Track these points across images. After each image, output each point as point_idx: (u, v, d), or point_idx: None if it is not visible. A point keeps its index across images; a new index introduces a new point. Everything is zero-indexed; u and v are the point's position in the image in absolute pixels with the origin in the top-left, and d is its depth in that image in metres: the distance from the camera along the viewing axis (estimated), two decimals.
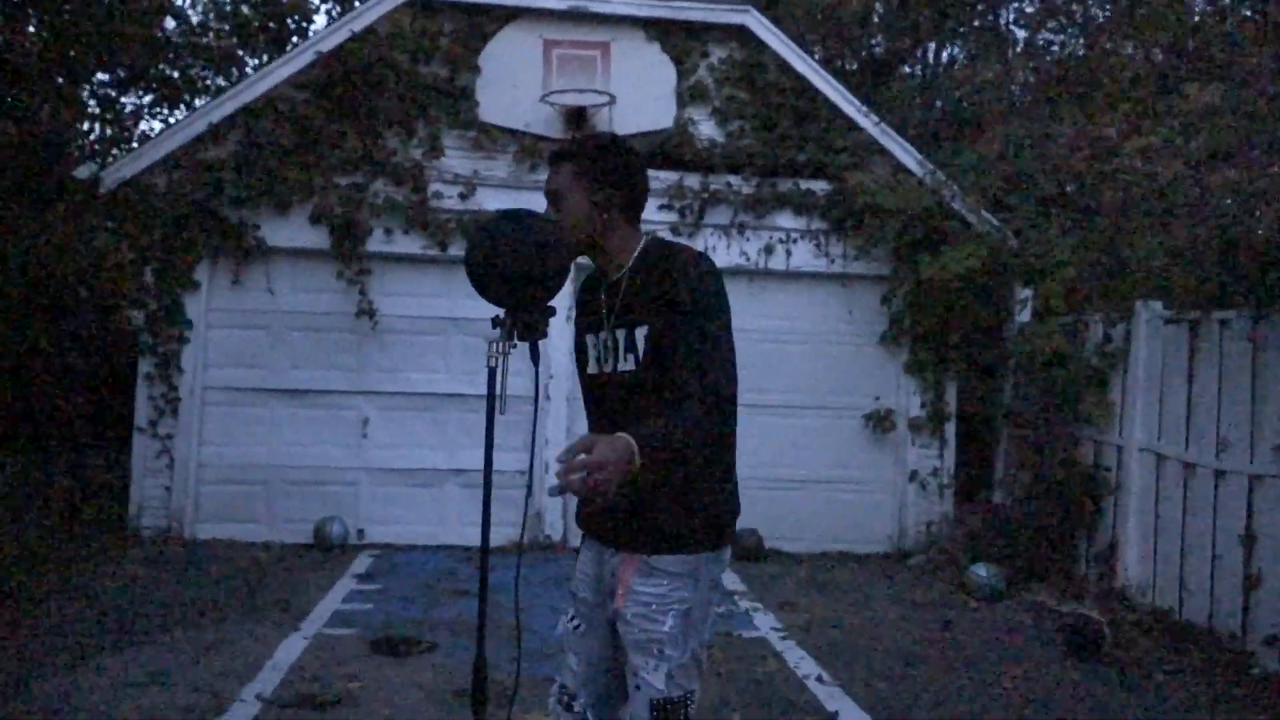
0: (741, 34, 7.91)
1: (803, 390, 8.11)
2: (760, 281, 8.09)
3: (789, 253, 8.04)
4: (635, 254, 2.23)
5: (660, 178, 7.83)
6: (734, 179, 7.94)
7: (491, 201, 7.65)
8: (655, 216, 7.85)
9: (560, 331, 7.74)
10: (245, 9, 12.72)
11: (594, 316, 2.31)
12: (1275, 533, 5.49)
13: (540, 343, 2.17)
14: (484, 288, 2.10)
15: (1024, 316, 8.01)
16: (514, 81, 7.65)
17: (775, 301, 8.12)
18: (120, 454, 8.17)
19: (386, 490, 7.77)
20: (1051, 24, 12.43)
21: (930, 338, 8.00)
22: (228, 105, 7.36)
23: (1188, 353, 6.31)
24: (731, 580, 6.80)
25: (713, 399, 1.99)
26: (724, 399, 2.02)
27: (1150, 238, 6.51)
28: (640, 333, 2.13)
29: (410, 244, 7.66)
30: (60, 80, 8.17)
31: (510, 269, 2.05)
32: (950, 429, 8.14)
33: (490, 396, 2.07)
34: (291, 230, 7.52)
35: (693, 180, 7.90)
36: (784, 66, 7.94)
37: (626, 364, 2.18)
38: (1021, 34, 14.18)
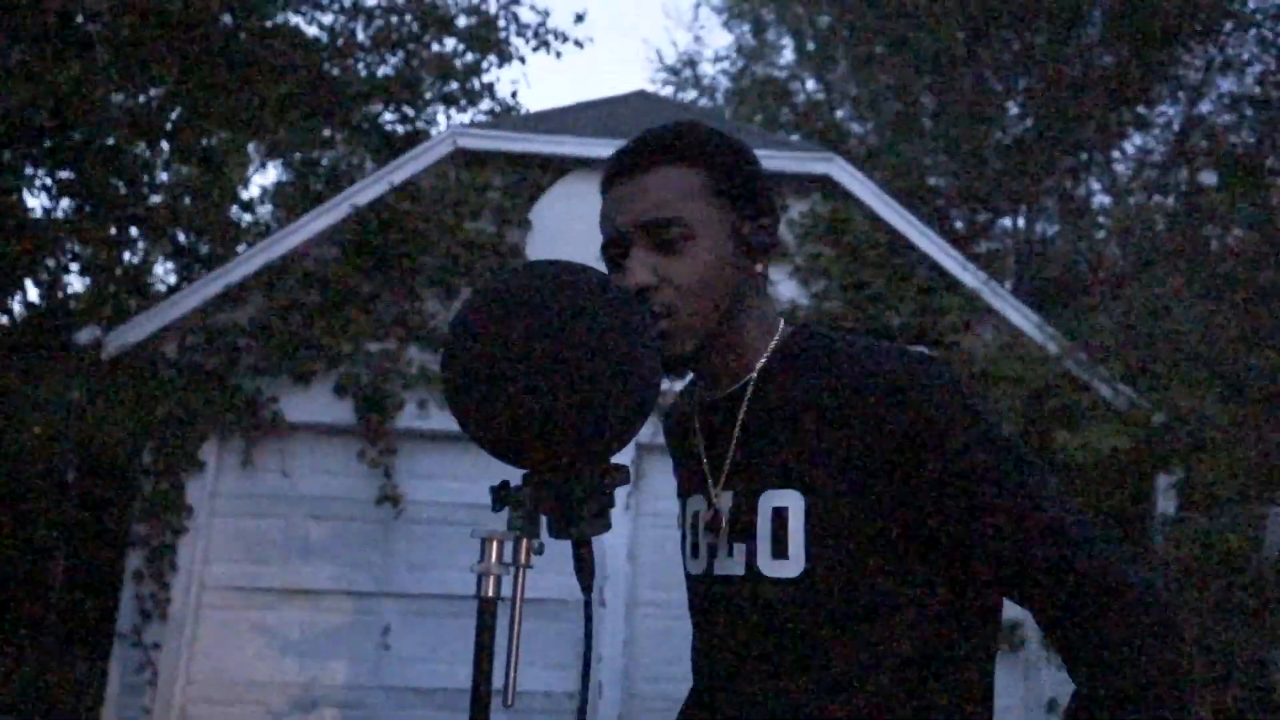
0: (825, 184, 7.05)
1: None
2: None
3: None
4: (771, 350, 1.18)
5: None
6: None
7: None
8: None
9: (617, 519, 6.56)
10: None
11: (693, 469, 1.27)
12: None
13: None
14: (485, 422, 0.97)
15: (1168, 506, 6.68)
16: (569, 238, 6.79)
17: None
18: (100, 660, 6.98)
19: (408, 715, 6.43)
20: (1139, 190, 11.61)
21: None
22: (250, 264, 6.59)
23: None
24: None
25: (1142, 608, 1.00)
26: (1161, 602, 1.01)
27: None
28: (783, 505, 1.09)
29: (447, 419, 6.62)
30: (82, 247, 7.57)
31: (555, 387, 0.92)
32: None
33: (486, 643, 0.93)
34: (313, 403, 6.56)
35: None
36: (874, 219, 7.02)
37: (733, 563, 1.14)
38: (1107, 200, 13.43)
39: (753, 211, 1.19)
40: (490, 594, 0.90)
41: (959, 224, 13.37)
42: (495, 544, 0.91)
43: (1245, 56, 11.63)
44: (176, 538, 6.34)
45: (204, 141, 10.80)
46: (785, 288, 6.96)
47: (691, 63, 15.25)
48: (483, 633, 0.90)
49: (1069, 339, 6.86)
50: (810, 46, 14.81)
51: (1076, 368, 6.61)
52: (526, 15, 11.23)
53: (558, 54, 11.39)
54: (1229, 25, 11.51)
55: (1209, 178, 11.41)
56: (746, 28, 15.61)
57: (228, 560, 6.49)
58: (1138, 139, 12.74)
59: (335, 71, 10.76)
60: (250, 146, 12.68)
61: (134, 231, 9.60)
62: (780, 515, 1.09)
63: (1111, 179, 13.02)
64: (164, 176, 10.75)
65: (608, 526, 1.10)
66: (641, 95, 9.22)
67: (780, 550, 1.09)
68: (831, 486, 1.07)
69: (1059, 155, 13.02)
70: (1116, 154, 12.68)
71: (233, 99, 9.77)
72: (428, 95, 11.24)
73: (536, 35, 11.16)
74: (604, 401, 0.90)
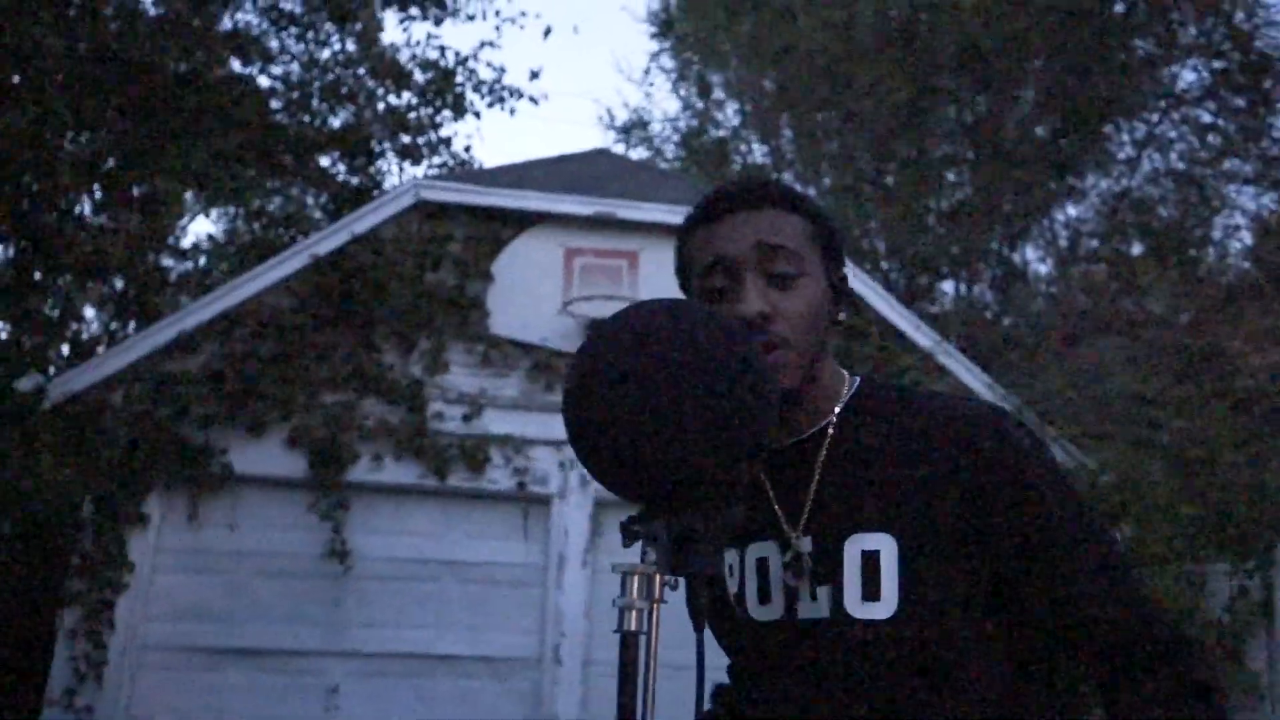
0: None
1: None
2: None
3: None
4: (845, 401, 1.20)
5: None
6: None
7: (499, 424, 6.61)
8: None
9: (574, 575, 6.49)
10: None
11: (751, 515, 1.23)
12: None
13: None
14: (616, 460, 0.94)
15: None
16: (530, 292, 6.82)
17: None
18: None
19: None
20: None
21: None
22: (203, 312, 6.45)
23: None
24: None
25: (1198, 667, 1.06)
26: (1209, 664, 1.07)
27: None
28: (873, 549, 1.11)
29: (402, 472, 6.53)
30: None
31: (682, 422, 0.91)
32: None
33: (631, 675, 0.91)
34: (264, 455, 6.40)
35: None
36: None
37: (817, 606, 1.13)
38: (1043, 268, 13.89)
39: (840, 262, 1.22)
40: (633, 627, 0.89)
41: (900, 286, 13.69)
42: (635, 578, 0.90)
43: (1172, 135, 12.22)
44: (116, 595, 6.09)
45: (140, 188, 10.61)
46: None
47: (642, 122, 15.51)
48: (627, 665, 0.89)
49: (1015, 400, 7.03)
50: (752, 111, 15.18)
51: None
52: (483, 71, 11.33)
53: (512, 110, 11.52)
54: (1161, 104, 12.09)
55: (1138, 248, 11.91)
56: (693, 88, 15.95)
57: (169, 619, 6.24)
58: (1071, 209, 13.23)
59: (285, 121, 10.69)
60: (188, 194, 12.50)
61: (62, 278, 9.35)
62: (870, 558, 1.10)
63: (1046, 247, 13.49)
64: (98, 220, 10.52)
65: (724, 562, 1.11)
66: (601, 153, 9.33)
67: (871, 593, 1.10)
68: (921, 530, 1.09)
69: (996, 222, 13.45)
70: (1049, 223, 13.15)
71: (179, 146, 9.64)
72: (381, 148, 11.22)
73: (492, 91, 11.27)
74: (728, 433, 0.91)
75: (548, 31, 10.54)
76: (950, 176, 14.31)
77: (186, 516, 6.35)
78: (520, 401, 6.71)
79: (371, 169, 11.33)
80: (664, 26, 15.45)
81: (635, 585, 0.89)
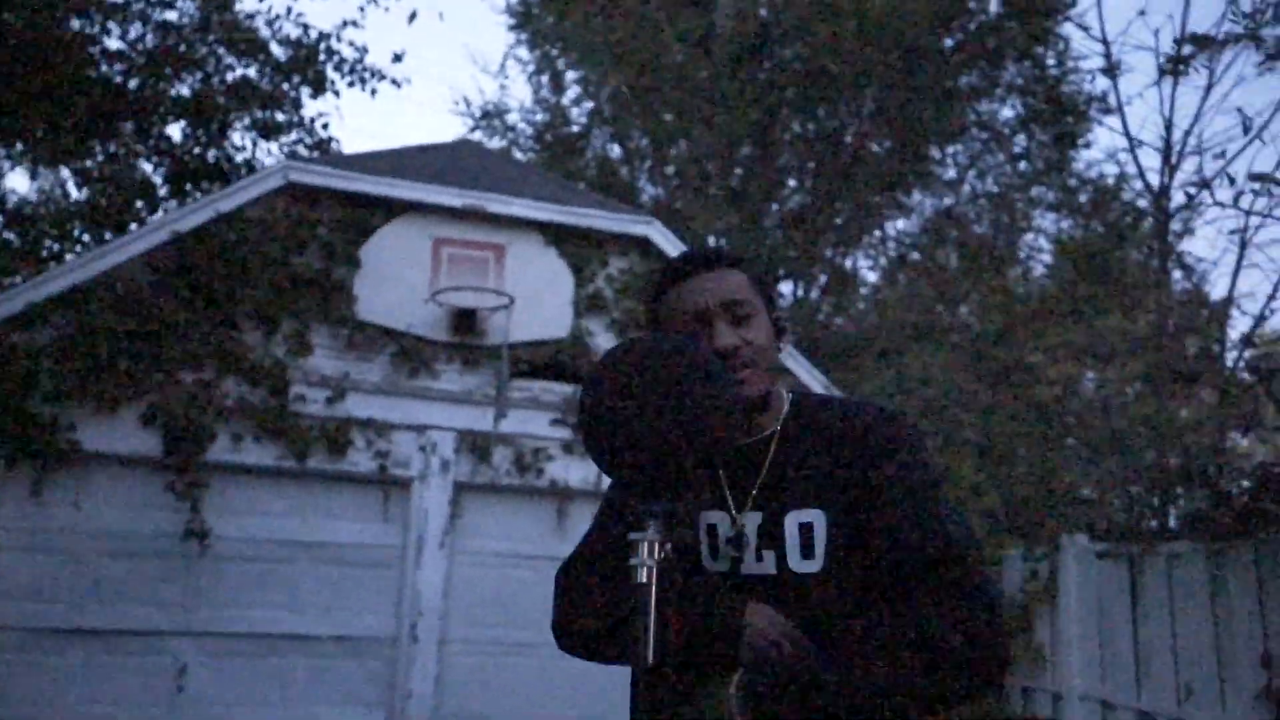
0: (644, 245, 7.58)
1: None
2: None
3: None
4: (786, 409, 1.60)
5: (554, 390, 7.17)
6: None
7: (362, 408, 6.72)
8: (547, 432, 7.11)
9: (432, 557, 6.70)
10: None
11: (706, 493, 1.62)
12: None
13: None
14: (626, 456, 1.28)
15: None
16: (398, 278, 6.94)
17: None
18: None
19: None
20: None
21: None
22: (55, 284, 6.26)
23: (1130, 590, 5.94)
24: None
25: (985, 599, 1.40)
26: (996, 605, 1.42)
27: (1077, 467, 6.30)
28: (808, 520, 1.50)
29: (262, 453, 6.54)
30: None
31: (678, 427, 1.26)
32: None
33: (643, 613, 1.23)
34: (116, 433, 6.28)
35: None
36: None
37: (764, 565, 1.51)
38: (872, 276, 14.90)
39: (775, 305, 1.60)
40: (644, 580, 1.21)
41: None
42: (644, 545, 1.22)
43: (991, 162, 13.37)
44: None
45: None
46: (603, 339, 7.40)
47: (500, 112, 15.60)
48: (637, 608, 1.21)
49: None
50: (606, 109, 15.54)
51: None
52: (345, 51, 11.14)
53: (373, 91, 11.39)
54: (982, 134, 13.20)
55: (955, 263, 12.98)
56: (547, 80, 16.15)
57: (10, 599, 6.06)
58: (900, 223, 14.25)
59: (132, 85, 10.24)
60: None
61: None
62: (806, 528, 1.48)
63: (876, 257, 14.48)
64: None
65: (698, 533, 1.47)
66: (467, 144, 9.46)
67: (808, 554, 1.48)
68: (841, 505, 1.49)
69: (831, 230, 14.35)
70: (882, 234, 14.13)
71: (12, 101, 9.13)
72: (232, 120, 10.88)
73: (354, 71, 11.14)
74: (706, 439, 1.25)
75: (413, 16, 10.47)
76: (791, 184, 15.14)
77: (29, 493, 6.16)
78: (384, 386, 6.84)
79: (226, 143, 10.99)
80: (522, 19, 15.59)
81: (644, 550, 1.22)
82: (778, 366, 1.60)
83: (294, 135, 11.36)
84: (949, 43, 12.33)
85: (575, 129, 15.89)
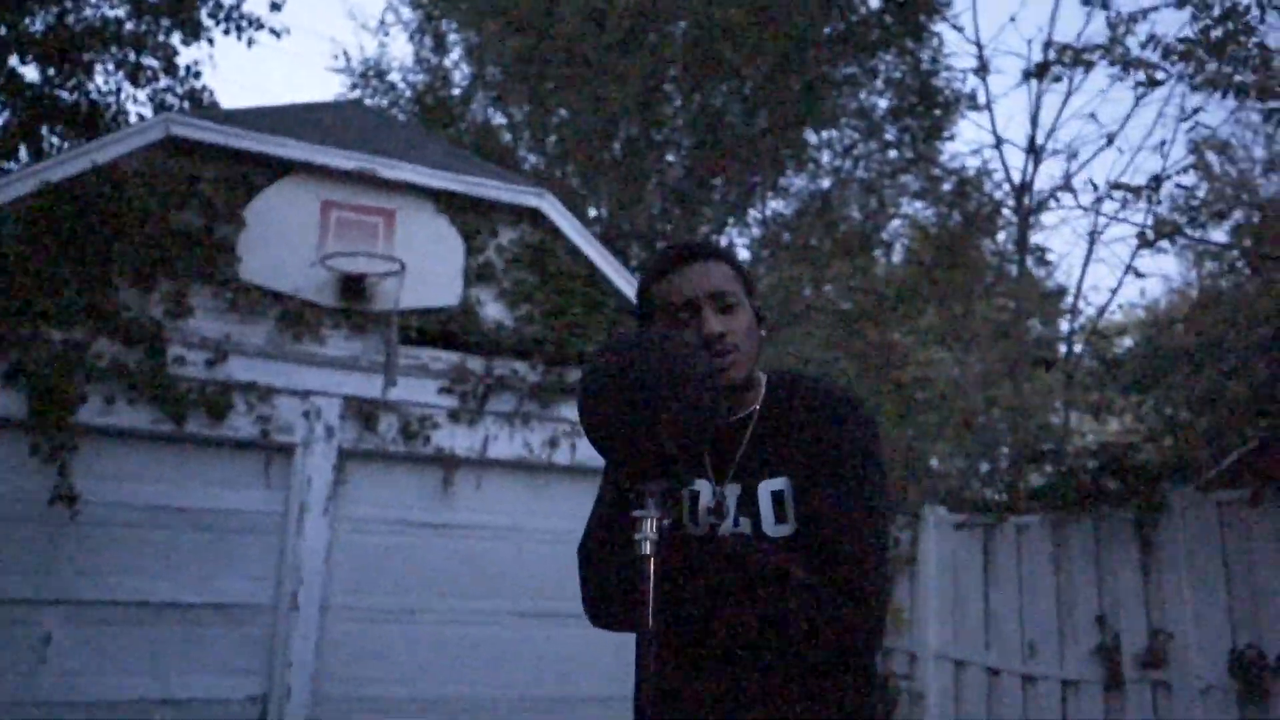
0: (535, 216, 7.63)
1: None
2: (543, 476, 7.49)
3: (574, 446, 7.54)
4: (765, 392, 1.77)
5: (443, 358, 7.18)
6: (520, 365, 7.43)
7: (244, 372, 6.57)
8: (434, 400, 7.12)
9: (315, 523, 6.64)
10: None
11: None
12: None
13: None
14: (626, 442, 1.42)
15: None
16: (284, 240, 6.78)
17: (559, 498, 7.51)
18: None
19: None
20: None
21: None
22: None
23: (982, 558, 6.44)
24: None
25: (859, 596, 1.56)
26: (875, 599, 1.58)
27: (938, 445, 6.75)
28: (779, 488, 1.67)
29: (136, 416, 6.32)
30: None
31: (675, 414, 1.40)
32: None
33: (645, 581, 1.38)
34: None
35: (476, 363, 7.29)
36: (576, 253, 7.72)
37: (741, 528, 1.69)
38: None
39: (755, 295, 1.76)
40: (647, 553, 1.35)
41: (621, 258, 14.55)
42: (646, 521, 1.36)
43: (869, 149, 13.90)
44: None
45: None
46: (492, 309, 7.43)
47: (380, 71, 15.19)
48: (641, 578, 1.35)
49: None
50: (490, 73, 15.37)
51: None
52: None
53: (250, 41, 10.89)
54: (856, 121, 13.68)
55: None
56: (429, 42, 15.83)
57: None
58: (777, 204, 14.67)
59: None
60: None
61: None
62: (778, 496, 1.66)
63: (752, 237, 14.88)
64: None
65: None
66: (356, 105, 9.26)
67: (780, 518, 1.65)
68: (804, 475, 1.66)
69: (708, 206, 14.66)
70: (762, 212, 14.52)
71: None
72: (93, 61, 10.24)
73: (230, 18, 10.64)
74: (695, 426, 1.40)
75: None
76: (670, 159, 15.35)
77: None
78: (268, 350, 6.70)
79: (90, 86, 10.34)
80: None
81: (647, 525, 1.36)
82: (757, 352, 1.75)
83: (164, 82, 10.80)
84: (828, 32, 12.74)
85: (456, 92, 15.65)
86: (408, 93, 15.21)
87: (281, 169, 6.89)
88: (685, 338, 1.52)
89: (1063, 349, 9.64)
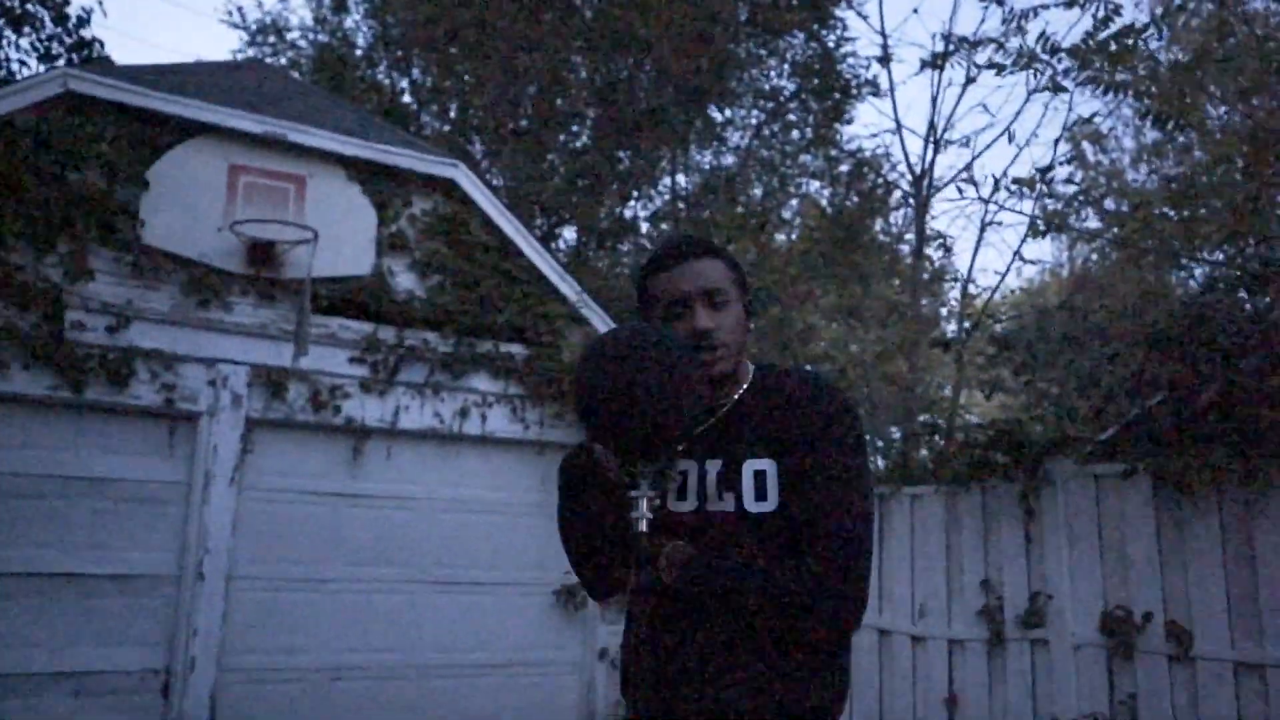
0: (449, 187, 7.60)
1: (495, 565, 7.53)
2: (454, 446, 7.52)
3: (484, 417, 7.60)
4: (748, 381, 1.89)
5: (353, 328, 7.13)
6: (432, 336, 7.43)
7: (147, 338, 6.41)
8: (344, 370, 7.08)
9: (221, 493, 6.54)
10: None
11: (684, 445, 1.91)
12: (979, 695, 5.89)
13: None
14: (620, 429, 1.55)
15: None
16: (190, 204, 6.61)
17: (469, 468, 7.57)
18: None
19: None
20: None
21: None
22: None
23: (878, 525, 6.79)
24: None
25: (849, 576, 1.69)
26: (859, 576, 1.72)
27: None
28: (762, 468, 1.78)
29: (31, 383, 6.11)
30: None
31: (666, 407, 1.55)
32: None
33: (640, 553, 1.52)
34: None
35: (388, 333, 7.26)
36: (490, 225, 7.73)
37: (724, 504, 1.79)
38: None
39: (747, 291, 1.89)
40: (643, 529, 1.48)
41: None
42: (642, 500, 1.49)
43: (773, 128, 14.17)
44: None
45: None
46: (404, 279, 7.40)
47: (279, 28, 14.69)
48: (638, 551, 1.48)
49: None
50: (392, 34, 15.05)
51: None
52: None
53: None
54: (760, 101, 13.91)
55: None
56: (329, 0, 15.40)
57: None
58: (680, 178, 14.83)
59: None
60: None
61: None
62: (760, 475, 1.77)
63: (655, 211, 15.03)
64: None
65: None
66: (262, 65, 8.99)
67: (761, 496, 1.77)
68: (788, 457, 1.78)
69: (613, 179, 14.72)
70: (670, 185, 14.65)
71: None
72: None
73: None
74: (682, 412, 1.54)
75: None
76: (575, 130, 15.35)
77: None
78: (172, 317, 6.54)
79: None
80: None
81: (643, 505, 1.50)
82: (743, 345, 1.87)
83: (50, 30, 10.24)
84: (742, 14, 12.93)
85: (359, 53, 15.28)
86: (309, 52, 14.76)
87: (187, 131, 6.70)
88: (676, 333, 1.65)
89: (951, 329, 10.14)
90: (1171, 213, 6.74)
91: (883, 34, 12.49)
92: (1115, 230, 8.27)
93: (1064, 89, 6.04)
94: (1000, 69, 6.50)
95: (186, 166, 6.66)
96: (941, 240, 8.56)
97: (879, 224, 14.25)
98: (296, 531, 6.85)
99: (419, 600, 7.24)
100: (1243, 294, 5.40)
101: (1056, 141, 7.10)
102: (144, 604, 6.40)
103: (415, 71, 15.58)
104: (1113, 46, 5.97)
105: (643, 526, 1.49)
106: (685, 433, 1.57)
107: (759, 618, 1.68)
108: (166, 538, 6.47)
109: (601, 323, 8.00)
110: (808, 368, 2.11)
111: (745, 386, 1.88)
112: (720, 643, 1.71)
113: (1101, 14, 7.40)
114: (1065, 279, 18.78)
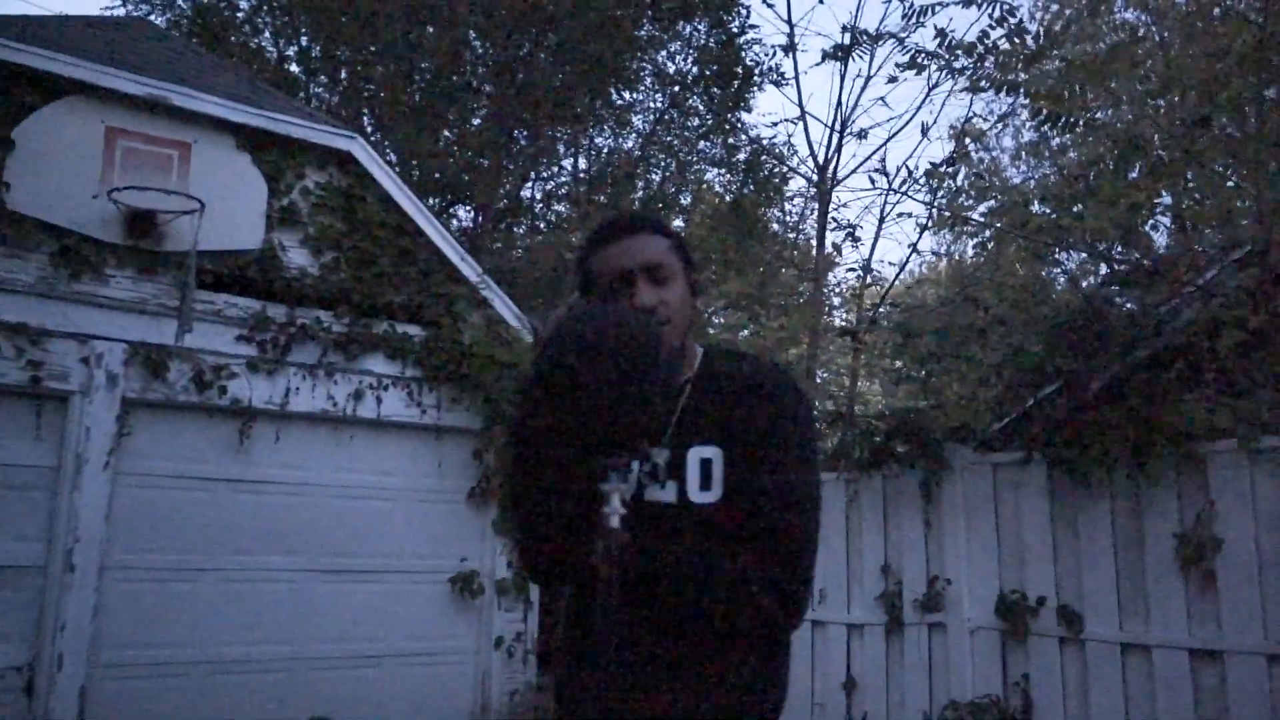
0: (345, 160, 7.28)
1: (388, 553, 7.29)
2: (347, 430, 7.24)
3: (380, 400, 7.33)
4: (698, 363, 1.80)
5: (241, 305, 6.77)
6: (325, 315, 7.12)
7: (12, 311, 5.94)
8: (231, 349, 6.72)
9: (94, 478, 6.13)
10: None
11: None
12: (877, 679, 6.00)
13: None
14: (587, 417, 1.43)
15: None
16: (62, 169, 6.14)
17: (363, 453, 7.30)
18: None
19: None
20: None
21: None
22: None
23: None
24: None
25: (796, 568, 1.64)
26: (805, 570, 1.67)
27: None
28: (708, 456, 1.70)
29: None
30: None
31: (637, 390, 1.43)
32: (536, 590, 7.86)
33: (611, 551, 1.41)
34: None
35: (278, 311, 6.92)
36: (388, 202, 7.44)
37: (666, 492, 1.71)
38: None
39: (693, 268, 1.78)
40: (616, 525, 1.37)
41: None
42: (614, 494, 1.38)
43: (673, 114, 14.12)
44: None
45: None
46: (296, 255, 7.06)
47: None
48: (609, 552, 1.37)
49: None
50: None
51: None
52: None
53: None
54: (661, 86, 13.85)
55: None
56: None
57: None
58: (580, 161, 14.67)
59: None
60: None
61: None
62: (707, 463, 1.68)
63: (552, 191, 14.82)
64: None
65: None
66: (144, 22, 8.41)
67: (706, 485, 1.68)
68: (735, 445, 1.69)
69: (509, 159, 14.45)
70: (568, 167, 14.48)
71: None
72: None
73: None
74: (658, 390, 1.44)
75: None
76: (473, 106, 14.98)
77: None
78: (40, 288, 6.07)
79: None
80: None
81: (615, 499, 1.39)
82: (689, 324, 1.77)
83: None
84: None
85: (240, 15, 14.54)
86: (188, 11, 13.95)
87: (58, 89, 6.21)
88: (632, 311, 1.54)
89: (846, 318, 10.31)
90: (1048, 210, 6.99)
91: (789, 22, 12.58)
92: (999, 224, 8.53)
93: (982, 89, 6.17)
94: (894, 76, 6.59)
95: (58, 127, 6.18)
96: (851, 230, 8.69)
97: (774, 212, 14.44)
98: (177, 519, 6.47)
99: (308, 589, 6.96)
100: (1137, 291, 5.62)
101: (958, 138, 7.26)
102: (6, 597, 5.95)
103: (303, 39, 14.93)
104: (1004, 44, 6.12)
105: (614, 523, 1.39)
106: (656, 421, 1.47)
107: (699, 609, 1.61)
108: (33, 527, 6.02)
109: (504, 305, 7.82)
110: (759, 354, 2.00)
111: (696, 369, 1.79)
112: (661, 647, 1.63)
113: (997, 14, 7.63)
114: (944, 270, 19.40)
